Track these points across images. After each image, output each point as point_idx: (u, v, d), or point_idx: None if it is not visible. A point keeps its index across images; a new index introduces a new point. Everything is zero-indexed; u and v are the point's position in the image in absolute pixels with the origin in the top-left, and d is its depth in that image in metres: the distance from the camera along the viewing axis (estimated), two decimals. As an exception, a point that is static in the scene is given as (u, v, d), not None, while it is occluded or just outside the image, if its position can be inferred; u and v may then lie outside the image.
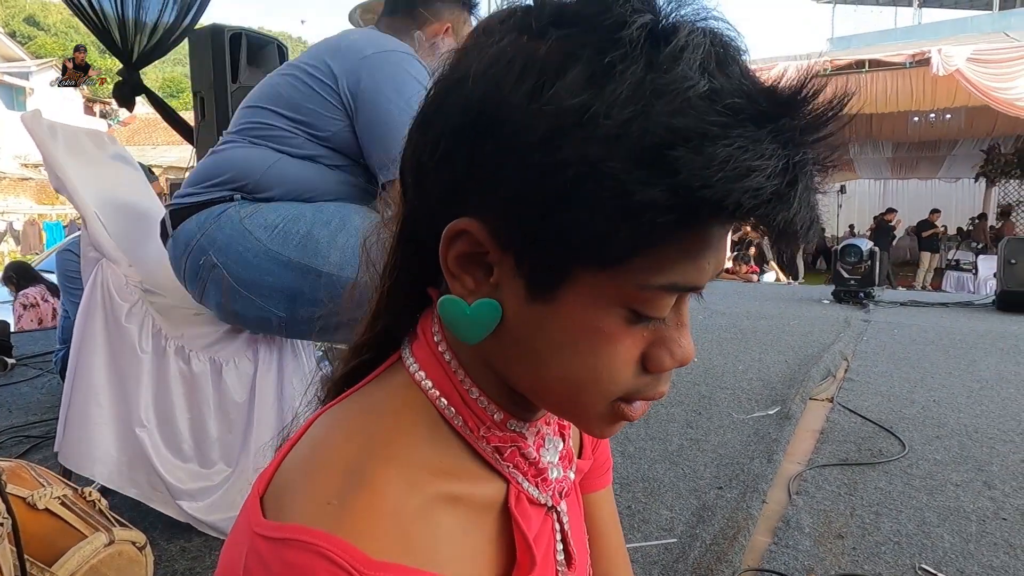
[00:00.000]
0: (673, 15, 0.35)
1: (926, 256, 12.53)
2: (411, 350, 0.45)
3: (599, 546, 0.64)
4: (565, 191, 0.33)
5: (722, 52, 0.34)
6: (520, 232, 0.36)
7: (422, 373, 0.43)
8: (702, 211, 0.32)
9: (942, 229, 12.98)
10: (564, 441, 0.51)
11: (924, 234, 12.73)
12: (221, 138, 1.44)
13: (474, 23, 1.55)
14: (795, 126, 0.33)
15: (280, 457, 0.42)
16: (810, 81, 0.34)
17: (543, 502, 0.47)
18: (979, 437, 2.31)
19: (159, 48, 3.80)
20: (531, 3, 0.37)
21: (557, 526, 0.50)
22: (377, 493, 0.36)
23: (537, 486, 0.46)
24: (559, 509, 0.49)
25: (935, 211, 13.01)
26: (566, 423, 0.53)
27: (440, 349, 0.44)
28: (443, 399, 0.43)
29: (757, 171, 0.31)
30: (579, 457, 0.59)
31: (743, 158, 0.31)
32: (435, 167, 0.39)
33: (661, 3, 0.35)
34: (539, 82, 0.34)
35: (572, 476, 0.52)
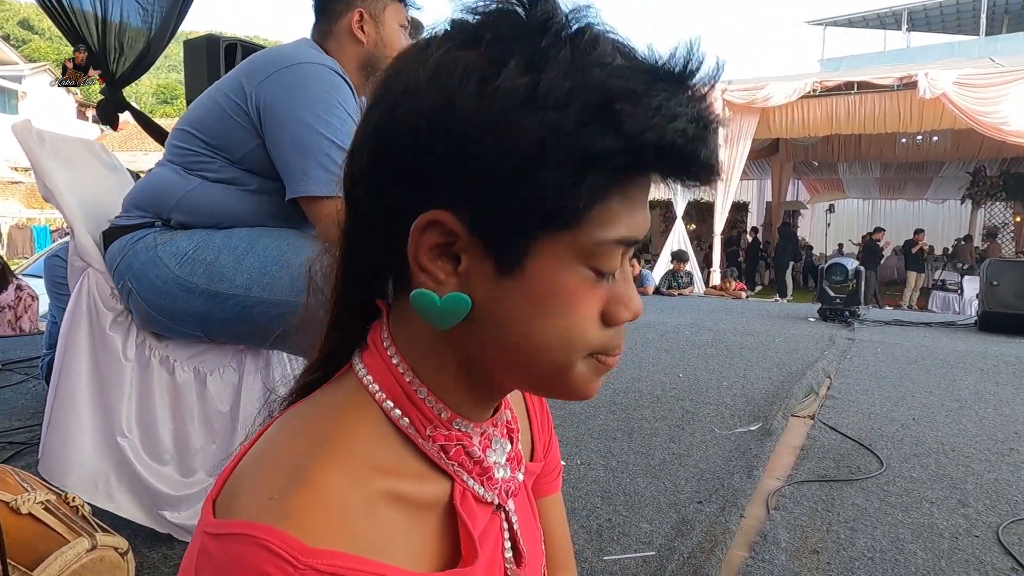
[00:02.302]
0: (575, 22, 0.41)
1: (912, 275, 12.67)
2: (361, 359, 0.47)
3: (548, 549, 0.66)
4: (528, 159, 0.38)
5: (620, 43, 0.42)
6: (488, 211, 0.40)
7: (369, 378, 0.45)
8: (646, 153, 0.39)
9: (927, 247, 13.13)
10: (512, 444, 0.53)
11: (913, 250, 12.89)
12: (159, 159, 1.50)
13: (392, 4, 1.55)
14: (693, 87, 0.41)
15: (233, 463, 0.44)
16: (694, 55, 0.41)
17: (489, 500, 0.49)
18: (955, 455, 2.35)
19: (140, 67, 3.81)
20: (449, 26, 0.43)
21: (505, 525, 0.51)
22: (318, 487, 0.38)
23: (483, 484, 0.48)
24: (507, 508, 0.51)
25: (919, 231, 13.15)
26: (514, 426, 0.55)
27: (389, 354, 0.46)
28: (389, 401, 0.45)
29: (680, 116, 0.39)
30: (530, 460, 0.61)
31: (669, 106, 0.39)
32: (395, 172, 0.42)
33: (563, 12, 0.41)
34: (482, 78, 0.39)
35: (521, 477, 0.54)
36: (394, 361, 0.46)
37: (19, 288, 5.16)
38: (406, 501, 0.42)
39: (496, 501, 0.50)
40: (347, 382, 0.47)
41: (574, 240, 0.41)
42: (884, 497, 1.97)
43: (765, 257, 15.97)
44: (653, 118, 0.38)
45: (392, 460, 0.43)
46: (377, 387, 0.45)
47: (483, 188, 0.40)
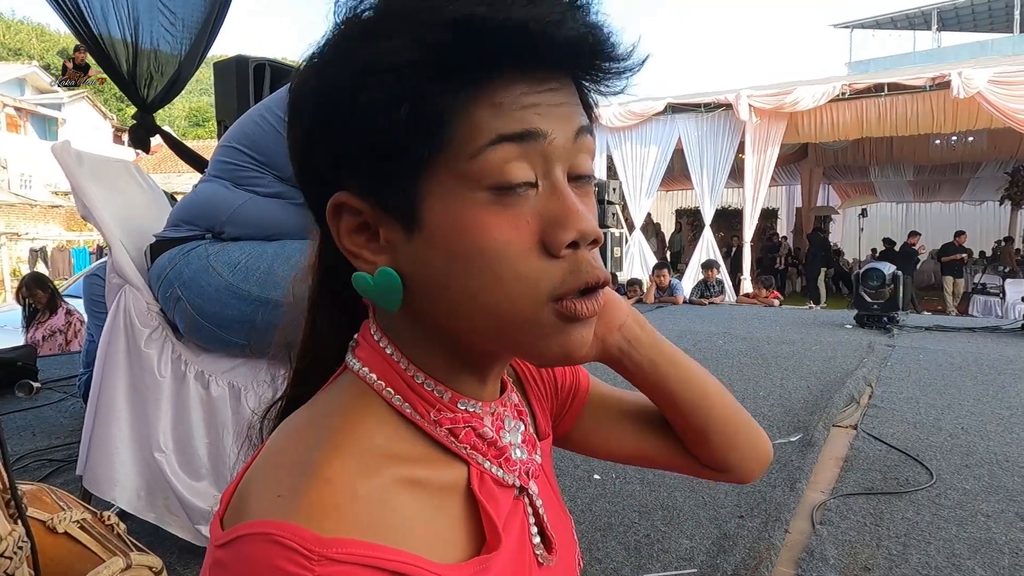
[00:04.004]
0: None
1: (949, 280, 12.16)
2: (354, 355, 0.46)
3: (627, 408, 0.65)
4: (357, 92, 0.38)
5: None
6: (366, 171, 0.40)
7: (366, 369, 0.44)
8: (440, 33, 0.36)
9: (964, 256, 12.41)
10: (525, 426, 0.52)
11: (944, 259, 12.35)
12: (203, 175, 1.53)
13: None
14: None
15: (237, 478, 0.42)
16: None
17: (510, 483, 0.47)
18: (1010, 466, 2.24)
19: (171, 92, 3.89)
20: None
21: (530, 510, 0.49)
22: (327, 478, 0.36)
23: (501, 466, 0.46)
24: (530, 492, 0.49)
25: (960, 233, 12.63)
26: (523, 409, 0.54)
27: (381, 345, 0.45)
28: (389, 389, 0.43)
29: None
30: (540, 440, 0.58)
31: None
32: (303, 178, 0.45)
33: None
34: (320, 63, 0.41)
35: (539, 459, 0.52)
36: (388, 351, 0.44)
37: (69, 313, 5.31)
38: (423, 487, 0.41)
39: (517, 483, 0.48)
40: (344, 380, 0.45)
41: (449, 167, 0.38)
42: (936, 511, 1.88)
43: (796, 264, 15.67)
44: (427, 4, 0.37)
45: (403, 447, 0.42)
46: (375, 376, 0.44)
47: (352, 151, 0.39)
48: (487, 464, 0.46)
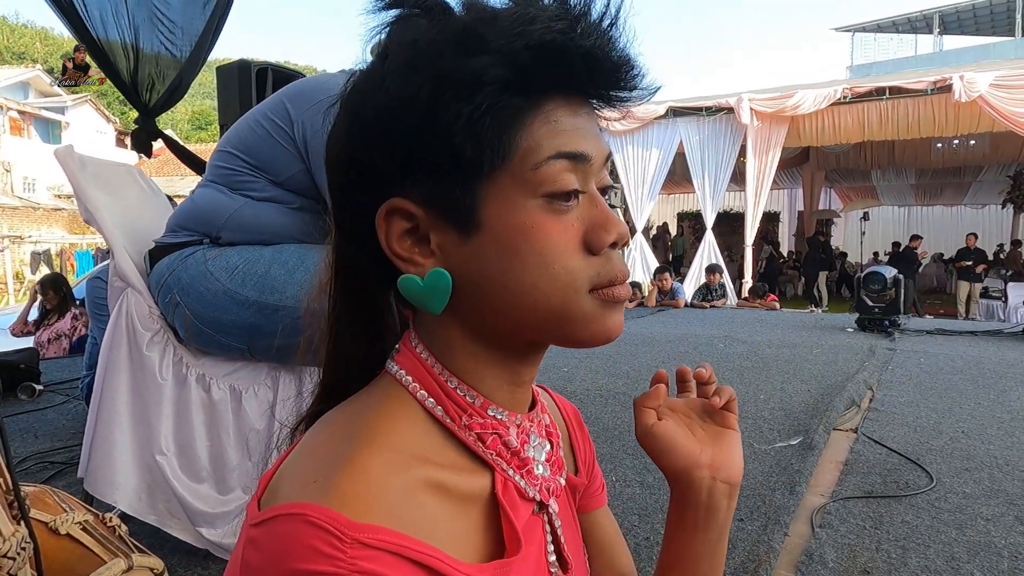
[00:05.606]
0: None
1: (965, 286, 11.75)
2: (394, 360, 0.48)
3: (609, 555, 0.65)
4: (430, 111, 0.41)
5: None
6: (428, 179, 0.42)
7: (403, 372, 0.47)
8: (521, 58, 0.41)
9: (984, 266, 11.68)
10: (552, 446, 0.53)
11: (959, 265, 12.01)
12: (200, 180, 1.53)
13: None
14: None
15: (277, 464, 0.45)
16: None
17: (531, 496, 0.48)
18: (1010, 470, 2.24)
19: (173, 97, 3.91)
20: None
21: (548, 528, 0.50)
22: (360, 470, 0.39)
23: (523, 477, 0.48)
24: (550, 510, 0.50)
25: (972, 235, 12.30)
26: (553, 431, 0.55)
27: (418, 351, 0.47)
28: (423, 391, 0.46)
29: (539, 17, 0.41)
30: (574, 473, 0.60)
31: (526, 13, 0.42)
32: (348, 183, 0.46)
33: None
34: (383, 72, 0.43)
35: (562, 481, 0.53)
36: (423, 356, 0.47)
37: (75, 317, 5.33)
38: (448, 492, 0.42)
39: (538, 497, 0.49)
40: (382, 382, 0.48)
41: (513, 175, 0.42)
42: (936, 514, 1.88)
43: (797, 267, 15.67)
44: (514, 27, 0.40)
45: (432, 450, 0.44)
46: (411, 379, 0.46)
47: (415, 159, 0.42)
48: (511, 472, 0.47)
